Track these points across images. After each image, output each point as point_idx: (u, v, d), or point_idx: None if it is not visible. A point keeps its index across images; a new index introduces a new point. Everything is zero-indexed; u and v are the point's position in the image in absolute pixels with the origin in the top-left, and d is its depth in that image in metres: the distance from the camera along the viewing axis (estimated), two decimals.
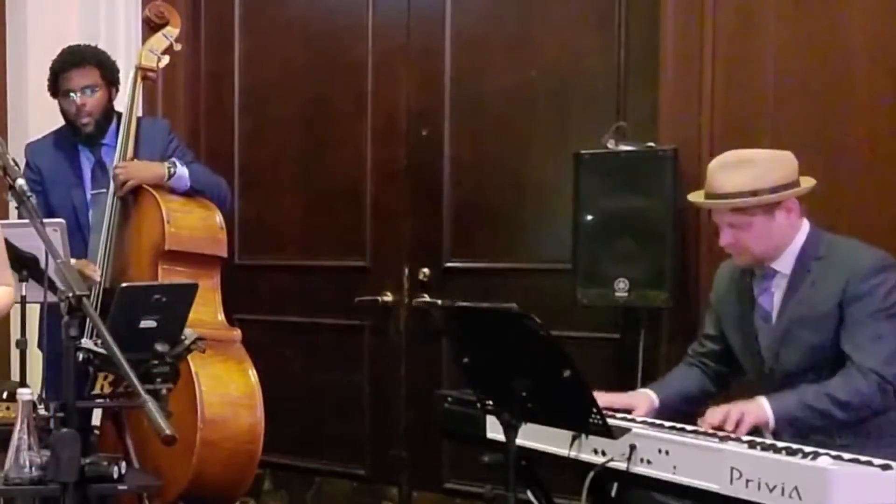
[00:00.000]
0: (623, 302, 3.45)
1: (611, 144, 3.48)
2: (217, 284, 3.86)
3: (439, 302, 4.01)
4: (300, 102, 4.54)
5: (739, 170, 2.75)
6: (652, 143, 3.50)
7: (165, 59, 3.98)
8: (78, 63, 3.83)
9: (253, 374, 3.79)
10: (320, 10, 4.51)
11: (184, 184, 3.82)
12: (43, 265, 3.29)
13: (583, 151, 3.52)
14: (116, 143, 3.86)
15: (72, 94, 3.81)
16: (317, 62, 4.48)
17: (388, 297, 4.26)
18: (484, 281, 4.05)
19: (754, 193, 2.72)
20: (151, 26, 4.02)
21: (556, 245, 3.77)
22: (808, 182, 2.80)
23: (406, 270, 4.22)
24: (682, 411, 2.96)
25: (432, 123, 4.16)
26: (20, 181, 2.63)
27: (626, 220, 3.43)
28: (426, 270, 4.17)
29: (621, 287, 3.42)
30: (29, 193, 2.61)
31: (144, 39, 4.13)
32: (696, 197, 2.91)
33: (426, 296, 4.16)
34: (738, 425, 2.58)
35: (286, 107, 4.58)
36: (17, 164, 2.75)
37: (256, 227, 4.68)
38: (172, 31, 3.99)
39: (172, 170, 3.79)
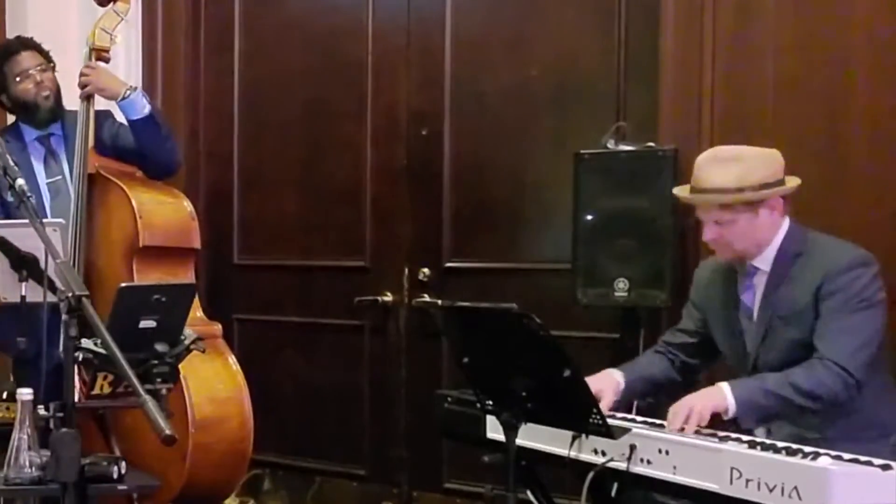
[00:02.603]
0: (623, 302, 3.45)
1: (611, 144, 3.49)
2: (192, 278, 3.81)
3: (439, 302, 4.01)
4: (300, 102, 4.53)
5: (726, 166, 2.75)
6: (652, 143, 3.50)
7: (119, 38, 3.95)
8: (25, 47, 3.88)
9: (236, 366, 3.78)
10: (320, 10, 4.51)
11: (139, 109, 3.75)
12: (43, 265, 3.29)
13: (583, 151, 3.52)
14: (64, 133, 3.86)
15: (30, 71, 3.83)
16: (317, 62, 4.48)
17: (388, 297, 4.26)
18: (484, 281, 4.05)
19: (740, 190, 2.72)
20: (100, 1, 3.96)
21: (556, 245, 3.77)
22: (793, 181, 2.80)
23: (406, 270, 4.22)
24: (644, 396, 2.99)
25: (432, 123, 4.16)
26: (20, 181, 2.63)
27: (626, 220, 3.43)
28: (426, 270, 4.17)
29: (621, 287, 3.42)
30: (29, 193, 2.61)
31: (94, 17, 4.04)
32: (681, 191, 2.91)
33: (426, 296, 4.16)
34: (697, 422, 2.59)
35: (286, 107, 4.58)
36: (17, 165, 2.75)
37: (256, 227, 4.68)
38: (123, 8, 3.92)
39: (129, 92, 3.76)
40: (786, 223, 2.81)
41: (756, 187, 2.72)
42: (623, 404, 2.93)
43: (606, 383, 2.91)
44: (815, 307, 2.71)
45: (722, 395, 2.63)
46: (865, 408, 2.69)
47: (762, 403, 2.63)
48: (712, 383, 2.74)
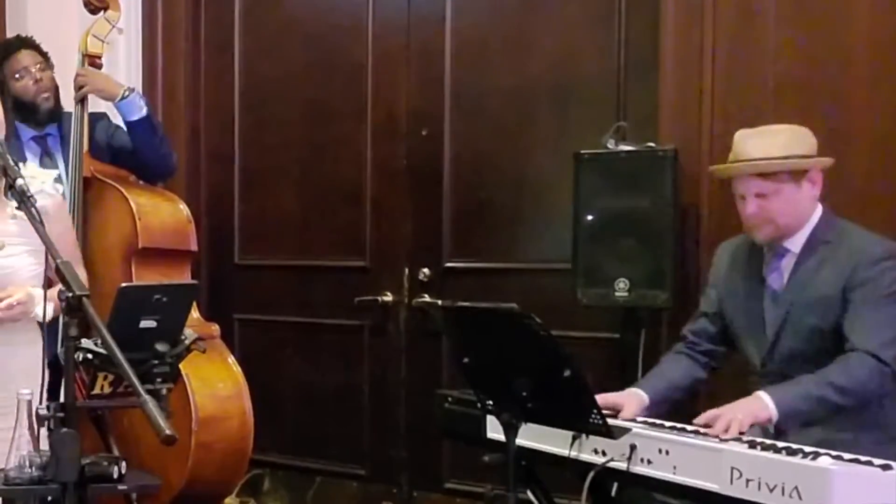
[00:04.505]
0: (623, 302, 3.45)
1: (611, 144, 3.49)
2: (189, 279, 3.82)
3: (439, 302, 4.01)
4: (300, 102, 4.54)
5: (768, 137, 2.77)
6: (652, 143, 3.50)
7: (110, 45, 3.99)
8: (24, 46, 3.91)
9: (235, 366, 3.79)
10: (320, 10, 4.51)
11: (136, 110, 3.79)
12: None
13: (583, 151, 3.52)
14: (60, 133, 3.88)
15: (30, 69, 3.85)
16: (317, 62, 4.48)
17: (388, 297, 4.26)
18: (484, 281, 4.05)
19: (786, 158, 2.72)
20: (91, 10, 3.99)
21: (556, 245, 3.77)
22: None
23: (406, 270, 4.22)
24: (675, 402, 2.96)
25: (432, 123, 4.17)
26: (20, 181, 2.62)
27: (626, 220, 3.43)
28: (426, 270, 4.17)
29: (621, 287, 3.42)
30: (29, 193, 2.60)
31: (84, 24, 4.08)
32: (721, 165, 2.90)
33: (426, 296, 4.16)
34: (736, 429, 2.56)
35: (286, 107, 4.58)
36: (16, 165, 2.75)
37: (256, 227, 4.68)
38: (114, 16, 3.97)
39: (127, 93, 3.79)
40: (819, 207, 2.81)
41: (800, 156, 2.73)
42: (656, 416, 2.87)
43: (629, 398, 2.88)
44: (842, 296, 2.69)
45: (763, 404, 2.59)
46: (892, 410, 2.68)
47: (803, 408, 2.61)
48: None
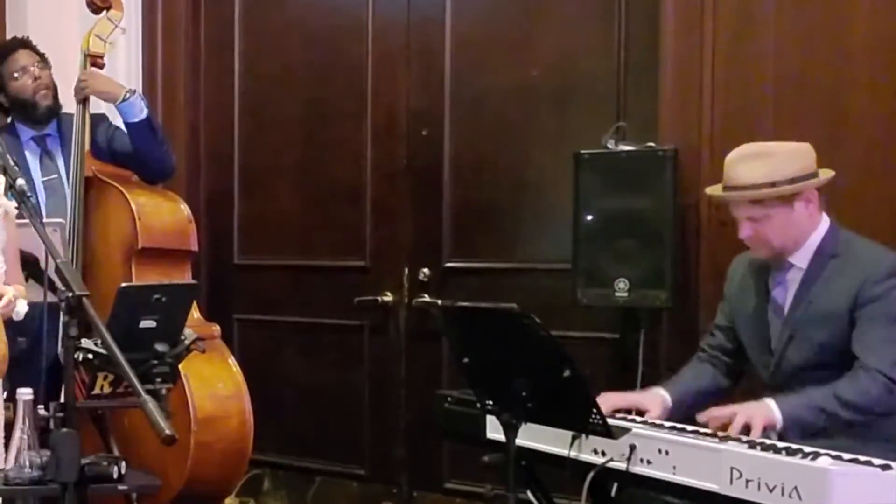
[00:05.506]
0: (623, 302, 3.45)
1: (611, 144, 3.49)
2: (189, 280, 3.81)
3: (439, 302, 4.01)
4: (300, 102, 4.54)
5: (757, 161, 2.74)
6: (652, 143, 3.50)
7: (112, 45, 3.99)
8: (22, 45, 3.92)
9: (235, 366, 3.79)
10: (320, 10, 4.51)
11: (136, 112, 3.79)
12: (43, 265, 3.29)
13: (583, 151, 3.52)
14: (60, 133, 3.88)
15: (28, 68, 3.85)
16: (317, 62, 4.48)
17: (388, 297, 4.26)
18: (484, 281, 4.05)
19: (773, 185, 2.70)
20: (93, 9, 4.00)
21: (556, 245, 3.77)
22: (826, 173, 2.79)
23: (406, 270, 4.22)
24: (697, 407, 2.93)
25: (432, 123, 4.16)
26: (20, 181, 2.63)
27: (626, 220, 3.43)
28: (426, 270, 4.17)
29: (621, 287, 3.42)
30: (29, 193, 2.61)
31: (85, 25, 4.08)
32: (713, 190, 2.90)
33: (426, 296, 4.16)
34: (746, 430, 2.55)
35: (286, 107, 4.58)
36: (17, 165, 2.75)
37: (256, 227, 4.68)
38: (117, 15, 3.97)
39: (128, 95, 3.79)
40: (825, 220, 2.80)
41: (788, 181, 2.71)
42: (678, 421, 2.86)
43: (652, 399, 2.88)
44: (850, 313, 2.68)
45: (769, 410, 2.60)
46: None
47: (807, 418, 2.60)
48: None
